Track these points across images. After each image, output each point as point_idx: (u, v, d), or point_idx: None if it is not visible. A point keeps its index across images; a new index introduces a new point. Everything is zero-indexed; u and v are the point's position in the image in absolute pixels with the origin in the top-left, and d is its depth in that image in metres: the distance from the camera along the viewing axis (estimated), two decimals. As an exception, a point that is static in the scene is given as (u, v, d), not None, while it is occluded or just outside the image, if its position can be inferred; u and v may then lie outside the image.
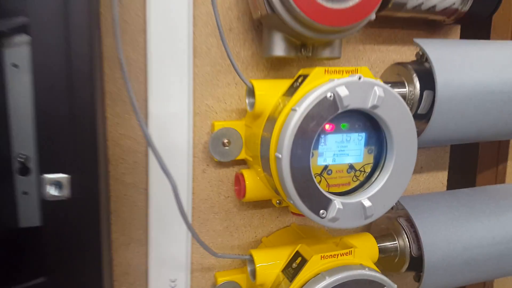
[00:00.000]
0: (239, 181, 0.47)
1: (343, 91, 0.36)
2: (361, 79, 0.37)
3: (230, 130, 0.47)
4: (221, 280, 0.50)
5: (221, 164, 0.50)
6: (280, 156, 0.36)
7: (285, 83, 0.43)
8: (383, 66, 0.55)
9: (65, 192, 0.33)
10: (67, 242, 0.34)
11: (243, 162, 0.51)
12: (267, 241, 0.54)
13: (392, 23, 0.55)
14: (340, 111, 0.36)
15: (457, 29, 0.59)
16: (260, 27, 0.48)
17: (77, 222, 0.34)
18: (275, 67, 0.50)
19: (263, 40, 0.45)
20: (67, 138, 0.33)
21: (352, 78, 0.37)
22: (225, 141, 0.47)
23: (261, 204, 0.54)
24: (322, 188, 0.38)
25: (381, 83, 0.37)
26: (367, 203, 0.39)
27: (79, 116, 0.33)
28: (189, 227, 0.40)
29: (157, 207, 0.47)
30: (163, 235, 0.48)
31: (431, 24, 0.57)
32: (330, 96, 0.36)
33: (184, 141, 0.47)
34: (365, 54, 0.54)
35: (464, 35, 0.59)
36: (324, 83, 0.37)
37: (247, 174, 0.46)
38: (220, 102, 0.49)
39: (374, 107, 0.37)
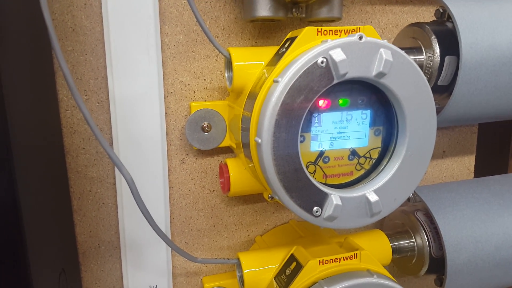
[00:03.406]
0: (223, 172, 0.40)
1: (338, 55, 0.28)
2: (363, 39, 0.28)
3: (210, 112, 0.40)
4: (208, 286, 0.44)
5: (203, 153, 0.43)
6: (259, 141, 0.29)
7: (271, 51, 0.35)
8: (396, 30, 0.47)
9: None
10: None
11: (229, 150, 0.44)
12: (261, 240, 0.47)
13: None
14: (335, 81, 0.29)
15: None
16: (243, -14, 0.40)
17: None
18: (263, 33, 0.42)
19: (244, -1, 0.37)
20: None
21: (351, 39, 0.28)
22: (205, 125, 0.40)
23: (254, 198, 0.47)
24: (317, 179, 0.32)
25: (389, 44, 0.29)
26: (373, 197, 0.31)
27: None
28: (154, 226, 0.33)
29: (128, 204, 0.41)
30: (138, 236, 0.42)
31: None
32: (322, 62, 0.28)
33: (156, 127, 0.40)
34: (374, 17, 0.46)
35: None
36: (314, 46, 0.29)
37: (231, 164, 0.40)
38: (198, 78, 0.41)
39: (380, 75, 0.29)
